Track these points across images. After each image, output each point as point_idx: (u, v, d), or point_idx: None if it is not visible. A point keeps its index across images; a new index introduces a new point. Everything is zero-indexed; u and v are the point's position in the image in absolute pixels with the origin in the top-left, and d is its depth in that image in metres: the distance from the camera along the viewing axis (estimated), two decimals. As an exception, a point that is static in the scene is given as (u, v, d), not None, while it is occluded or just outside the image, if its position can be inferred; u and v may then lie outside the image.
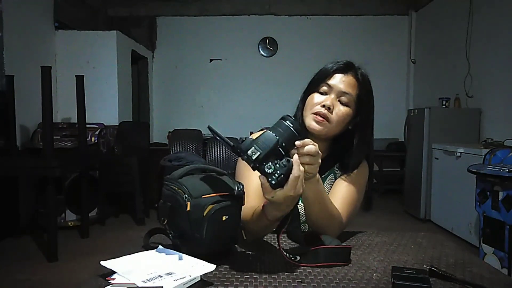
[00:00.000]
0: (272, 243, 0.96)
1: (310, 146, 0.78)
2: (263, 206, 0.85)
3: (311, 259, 0.81)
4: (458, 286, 0.72)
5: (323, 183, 1.09)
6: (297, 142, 0.76)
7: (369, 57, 5.80)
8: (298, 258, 0.81)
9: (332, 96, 1.03)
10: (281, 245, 0.80)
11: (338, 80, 1.03)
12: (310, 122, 1.03)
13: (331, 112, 1.01)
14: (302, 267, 0.80)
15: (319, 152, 0.79)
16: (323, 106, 1.01)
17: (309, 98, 1.06)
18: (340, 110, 1.02)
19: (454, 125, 4.03)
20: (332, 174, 1.12)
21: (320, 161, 0.81)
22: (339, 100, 1.03)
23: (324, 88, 1.04)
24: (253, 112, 5.75)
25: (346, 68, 1.05)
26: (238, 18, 5.85)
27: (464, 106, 4.24)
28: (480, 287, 0.71)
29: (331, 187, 1.09)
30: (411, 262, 0.85)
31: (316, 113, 1.02)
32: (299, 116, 1.08)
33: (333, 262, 0.81)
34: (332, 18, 5.84)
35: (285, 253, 0.80)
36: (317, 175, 0.86)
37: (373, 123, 1.09)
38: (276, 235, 0.85)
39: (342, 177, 1.08)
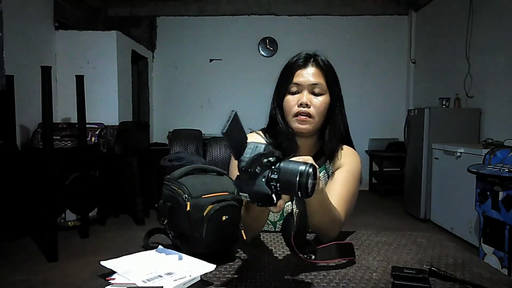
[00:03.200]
0: (272, 243, 0.96)
1: None
2: None
3: (325, 255, 0.80)
4: (458, 286, 0.72)
5: None
6: None
7: (369, 57, 5.82)
8: (313, 256, 0.80)
9: (305, 92, 1.05)
10: (283, 245, 0.79)
11: (304, 75, 1.05)
12: (295, 124, 1.05)
13: (310, 107, 1.03)
14: (301, 267, 0.80)
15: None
16: (301, 105, 1.03)
17: (284, 103, 1.08)
18: (318, 101, 1.04)
19: (454, 125, 4.02)
20: (324, 170, 1.12)
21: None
22: (312, 93, 1.05)
23: (294, 88, 1.06)
24: (253, 112, 5.68)
25: (306, 61, 1.07)
26: (238, 18, 5.85)
27: (464, 106, 4.24)
28: (480, 287, 0.71)
29: (325, 184, 1.09)
30: (411, 262, 0.85)
31: (297, 114, 1.04)
32: (281, 122, 1.09)
33: (345, 257, 0.82)
34: (332, 18, 5.84)
35: (299, 253, 0.78)
36: (321, 184, 0.84)
37: (343, 99, 1.11)
38: (283, 237, 0.83)
39: (336, 173, 1.08)
